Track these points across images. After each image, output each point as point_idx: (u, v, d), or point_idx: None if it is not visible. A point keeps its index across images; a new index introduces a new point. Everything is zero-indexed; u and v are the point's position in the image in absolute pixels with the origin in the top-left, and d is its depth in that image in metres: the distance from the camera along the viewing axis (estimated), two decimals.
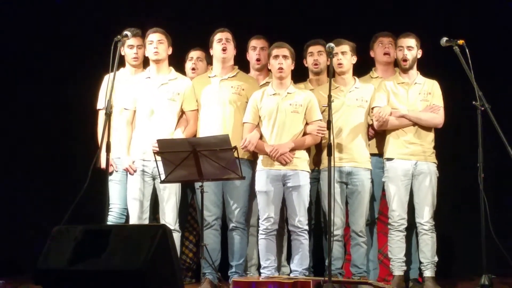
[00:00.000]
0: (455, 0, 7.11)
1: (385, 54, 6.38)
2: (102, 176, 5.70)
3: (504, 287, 5.35)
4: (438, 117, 5.99)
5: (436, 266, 5.95)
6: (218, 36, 6.22)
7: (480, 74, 5.51)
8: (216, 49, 6.23)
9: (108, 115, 5.53)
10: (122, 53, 6.25)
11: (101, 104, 6.34)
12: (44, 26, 7.60)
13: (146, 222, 6.04)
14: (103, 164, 5.88)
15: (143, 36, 6.31)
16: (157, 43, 6.10)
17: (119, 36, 5.74)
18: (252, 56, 6.46)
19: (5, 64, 7.57)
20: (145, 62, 6.41)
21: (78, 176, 5.53)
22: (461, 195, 6.76)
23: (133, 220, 6.04)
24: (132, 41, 6.24)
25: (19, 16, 7.61)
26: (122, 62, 6.24)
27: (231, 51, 6.24)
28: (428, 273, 5.93)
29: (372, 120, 6.07)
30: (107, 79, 6.18)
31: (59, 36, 7.59)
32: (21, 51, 7.61)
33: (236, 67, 6.31)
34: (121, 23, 6.40)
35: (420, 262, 6.00)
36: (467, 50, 5.48)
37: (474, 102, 5.45)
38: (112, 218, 6.21)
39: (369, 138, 6.16)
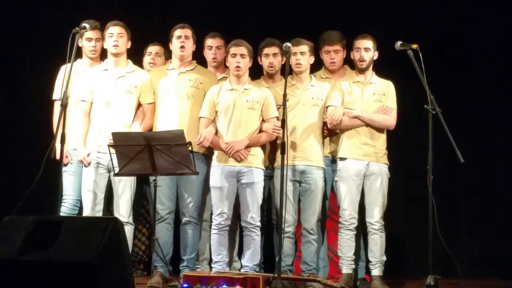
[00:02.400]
0: (412, 3, 7.19)
1: (331, 63, 6.41)
2: (56, 167, 5.68)
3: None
4: (390, 119, 6.07)
5: (384, 265, 6.04)
6: (177, 32, 6.22)
7: (433, 78, 5.60)
8: (175, 45, 6.24)
9: (64, 106, 5.52)
10: (80, 45, 6.23)
11: (57, 94, 6.33)
12: (1, 14, 7.53)
13: (100, 214, 6.04)
14: (57, 155, 5.87)
15: (101, 29, 6.30)
16: (117, 36, 6.10)
17: (77, 28, 5.74)
18: (208, 54, 6.50)
19: None
20: (102, 55, 6.40)
21: (32, 166, 5.50)
22: (411, 197, 6.87)
23: (86, 212, 6.03)
24: (90, 33, 6.24)
25: None
26: (79, 54, 6.23)
27: (190, 48, 6.26)
28: (376, 271, 6.02)
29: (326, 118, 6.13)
30: (63, 69, 6.19)
31: (16, 25, 7.52)
32: None
33: (194, 61, 6.33)
34: (81, 15, 6.37)
35: (369, 261, 6.08)
36: (420, 54, 5.57)
37: (425, 106, 5.55)
38: (65, 209, 6.19)
39: (323, 137, 6.23)
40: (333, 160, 6.24)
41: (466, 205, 7.12)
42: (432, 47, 5.97)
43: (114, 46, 6.10)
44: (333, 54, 6.38)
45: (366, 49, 6.10)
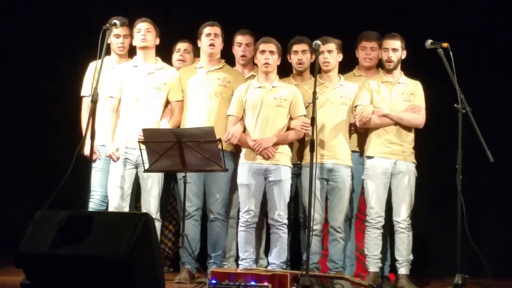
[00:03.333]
0: (442, 3, 7.17)
1: (366, 59, 6.43)
2: (85, 163, 5.72)
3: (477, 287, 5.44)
4: (419, 118, 6.06)
5: (411, 264, 6.03)
6: (207, 30, 6.24)
7: (462, 77, 5.59)
8: (204, 43, 6.26)
9: (94, 103, 5.53)
10: (108, 42, 6.24)
11: (85, 91, 6.37)
12: (30, 11, 7.58)
13: (126, 210, 6.06)
14: (86, 151, 5.89)
15: (130, 25, 6.33)
16: (145, 31, 6.12)
17: (107, 25, 5.73)
18: (237, 51, 6.51)
19: None
20: (131, 53, 6.44)
21: (62, 163, 5.54)
22: (439, 196, 6.86)
23: (112, 207, 6.06)
24: (119, 30, 6.26)
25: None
26: (107, 51, 6.24)
27: (219, 46, 6.28)
28: (403, 270, 6.02)
29: (354, 118, 6.13)
30: (92, 66, 6.23)
31: (45, 22, 7.58)
32: (7, 34, 7.59)
33: (223, 60, 6.35)
34: (109, 12, 6.39)
35: (395, 260, 6.07)
36: (451, 53, 5.55)
37: (455, 105, 5.53)
38: (93, 205, 6.23)
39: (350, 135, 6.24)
40: (361, 155, 6.23)
41: (495, 204, 7.09)
42: (463, 46, 5.93)
43: (142, 39, 6.12)
44: (369, 50, 6.39)
45: (394, 50, 6.09)
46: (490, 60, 7.12)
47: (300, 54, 6.29)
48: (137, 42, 6.18)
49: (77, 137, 6.07)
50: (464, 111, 5.49)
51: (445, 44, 5.62)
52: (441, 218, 6.79)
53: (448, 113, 5.61)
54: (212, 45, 6.22)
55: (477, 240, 5.36)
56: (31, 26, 7.57)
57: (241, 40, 6.48)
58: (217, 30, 6.27)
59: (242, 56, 6.47)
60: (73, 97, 6.58)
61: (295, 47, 6.31)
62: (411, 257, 6.04)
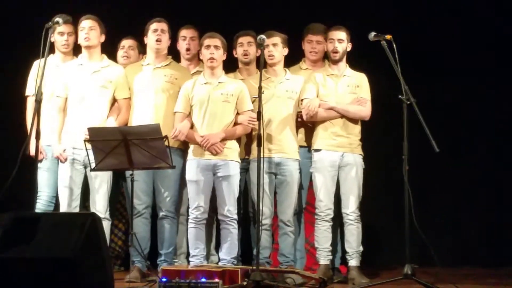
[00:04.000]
0: None
1: (311, 52, 6.44)
2: (30, 164, 5.65)
3: (426, 276, 5.48)
4: (365, 110, 6.12)
5: (361, 255, 6.09)
6: (154, 26, 6.22)
7: (406, 69, 5.64)
8: (150, 39, 6.23)
9: (39, 102, 5.46)
10: (52, 40, 6.16)
11: (30, 90, 6.29)
12: None
13: (77, 210, 6.04)
14: (32, 151, 5.82)
15: (74, 23, 6.26)
16: (88, 30, 6.08)
17: (50, 23, 5.65)
18: (182, 45, 6.48)
19: None
20: (76, 50, 6.37)
21: (6, 164, 5.46)
22: (386, 187, 6.92)
23: (63, 208, 6.02)
24: (62, 28, 6.17)
25: None
26: (51, 49, 6.17)
27: (166, 42, 6.26)
28: (353, 262, 6.07)
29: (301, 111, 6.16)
30: (36, 65, 6.14)
31: None
32: None
33: (170, 56, 6.33)
34: (52, 9, 6.32)
35: (346, 252, 6.12)
36: (394, 45, 5.58)
37: (400, 96, 5.57)
38: (41, 205, 6.16)
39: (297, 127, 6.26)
40: (309, 150, 6.26)
41: (441, 194, 7.18)
42: (405, 38, 5.99)
43: (85, 38, 6.08)
44: (315, 44, 6.39)
45: (340, 40, 6.14)
46: (434, 50, 7.20)
47: (245, 46, 6.29)
48: (81, 40, 6.14)
49: (22, 137, 5.96)
50: (408, 102, 5.53)
51: (388, 36, 5.65)
52: (389, 209, 6.84)
53: (393, 104, 5.65)
54: (158, 40, 6.19)
55: (424, 229, 5.40)
56: None
57: (185, 33, 6.44)
58: (164, 26, 6.24)
59: (187, 49, 6.44)
60: (18, 96, 6.47)
61: (241, 40, 6.31)
62: (361, 248, 6.09)
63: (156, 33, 6.21)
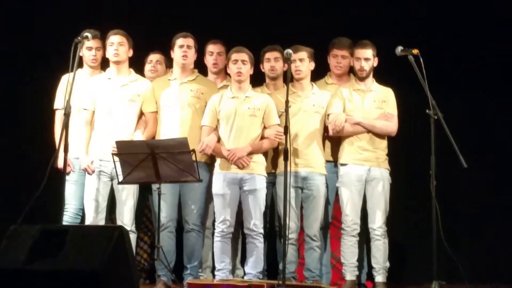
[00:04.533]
0: (411, 9, 7.21)
1: (337, 67, 6.43)
2: (58, 176, 5.69)
3: None
4: (391, 125, 6.11)
5: (387, 271, 6.06)
6: (180, 41, 6.24)
7: (433, 83, 5.62)
8: (177, 55, 6.26)
9: (67, 115, 5.50)
10: (80, 54, 6.21)
11: (59, 104, 6.34)
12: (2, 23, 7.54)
13: (102, 222, 6.05)
14: (60, 164, 5.86)
15: (102, 37, 6.32)
16: (117, 45, 6.12)
17: (79, 38, 5.71)
18: (209, 60, 6.51)
19: None
20: (103, 64, 6.43)
21: (36, 176, 5.49)
22: (413, 202, 6.86)
23: (89, 221, 6.04)
24: (91, 43, 6.22)
25: None
26: (80, 63, 6.22)
27: (192, 57, 6.28)
28: (380, 278, 6.04)
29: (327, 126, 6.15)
30: (65, 79, 6.22)
31: (16, 35, 7.52)
32: None
33: (196, 70, 6.36)
34: (80, 24, 6.38)
35: (372, 267, 6.10)
36: (421, 60, 5.58)
37: (427, 111, 5.55)
38: (68, 218, 6.19)
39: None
40: (335, 165, 6.25)
41: (469, 210, 7.12)
42: (431, 52, 5.97)
43: (115, 54, 6.12)
44: (340, 58, 6.39)
45: (366, 59, 6.14)
46: (461, 65, 7.16)
47: (272, 62, 6.29)
48: (110, 56, 6.18)
49: (51, 150, 6.01)
50: (436, 117, 5.51)
51: (415, 51, 5.64)
52: (416, 225, 6.78)
53: (421, 119, 5.63)
54: (185, 56, 6.22)
55: (452, 245, 5.38)
56: (3, 39, 7.51)
57: (212, 49, 6.48)
58: (190, 41, 6.27)
59: (214, 64, 6.47)
60: (47, 110, 6.53)
61: (268, 55, 6.31)
62: (388, 264, 6.07)
63: (182, 49, 6.23)
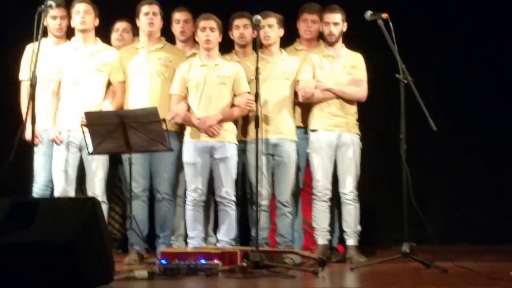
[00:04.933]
0: None
1: (306, 31, 6.41)
2: (27, 148, 5.63)
3: (423, 255, 5.50)
4: (361, 91, 6.12)
5: (359, 235, 6.10)
6: (145, 9, 6.16)
7: (403, 48, 5.62)
8: (142, 22, 6.18)
9: (33, 86, 5.43)
10: (45, 23, 6.11)
11: (24, 74, 6.25)
12: None
13: (72, 193, 6.03)
14: (28, 136, 5.79)
15: (66, 6, 6.22)
16: (83, 13, 6.03)
17: (43, 6, 5.60)
18: (176, 28, 6.43)
19: None
20: (68, 33, 6.33)
21: (3, 149, 5.43)
22: (384, 166, 6.91)
23: (58, 191, 6.01)
24: (55, 11, 6.13)
25: None
26: (44, 33, 6.11)
27: (158, 24, 6.21)
28: (351, 241, 6.09)
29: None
30: (30, 49, 6.12)
31: None
32: None
33: (163, 38, 6.29)
34: None
35: (344, 231, 6.14)
36: (391, 24, 5.56)
37: (397, 75, 5.55)
38: (37, 190, 6.14)
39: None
40: (306, 131, 6.25)
41: (439, 173, 7.20)
42: (401, 17, 5.96)
43: (81, 22, 6.04)
44: (310, 23, 6.36)
45: (335, 24, 6.11)
46: (430, 29, 7.18)
47: (241, 28, 6.23)
48: (76, 24, 6.09)
49: (17, 122, 5.94)
50: (405, 81, 5.51)
51: (384, 15, 5.61)
52: (387, 188, 6.86)
53: (390, 83, 5.63)
54: (151, 23, 6.15)
55: (422, 207, 5.42)
56: None
57: (179, 17, 6.40)
58: (155, 8, 6.19)
59: (181, 32, 6.40)
60: (11, 81, 6.43)
61: (236, 22, 6.24)
62: (359, 228, 6.11)
63: (148, 16, 6.16)
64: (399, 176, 5.50)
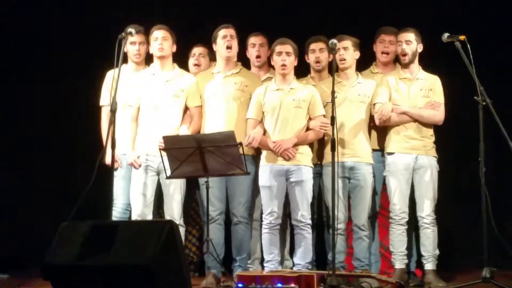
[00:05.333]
0: None
1: (383, 53, 6.41)
2: (107, 173, 5.74)
3: (504, 280, 5.39)
4: (438, 115, 6.06)
5: (437, 259, 6.02)
6: (222, 32, 6.23)
7: (481, 70, 5.55)
8: (220, 46, 6.24)
9: (113, 112, 5.54)
10: (125, 50, 6.25)
11: (104, 100, 6.39)
12: (45, 22, 7.61)
13: (150, 217, 6.08)
14: (108, 160, 5.92)
15: (145, 33, 6.35)
16: (161, 40, 6.13)
17: (123, 34, 5.72)
18: (251, 53, 6.50)
19: (5, 60, 7.57)
20: (147, 59, 6.46)
21: (84, 173, 5.55)
22: (462, 189, 6.82)
23: (136, 214, 6.08)
24: (134, 38, 6.23)
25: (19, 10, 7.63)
26: (124, 59, 6.25)
27: (235, 48, 6.27)
28: (429, 266, 6.01)
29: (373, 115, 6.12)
30: (110, 75, 6.27)
31: (60, 32, 7.60)
32: (22, 48, 7.62)
33: (239, 63, 6.35)
34: (124, 20, 6.40)
35: (421, 256, 6.06)
36: (468, 46, 5.52)
37: (475, 97, 5.49)
38: (116, 213, 6.24)
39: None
40: (382, 154, 6.21)
41: None
42: (480, 40, 5.90)
43: (159, 49, 6.14)
44: (388, 43, 6.36)
45: (408, 42, 6.08)
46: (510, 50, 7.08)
47: (317, 53, 6.27)
48: (154, 51, 6.20)
49: (98, 147, 6.07)
50: (484, 103, 5.45)
51: (462, 37, 5.58)
52: (466, 212, 6.76)
53: (469, 106, 5.57)
54: (229, 47, 6.21)
55: (503, 232, 5.32)
56: (46, 37, 7.60)
57: (254, 41, 6.47)
58: (232, 32, 6.26)
59: (257, 56, 6.46)
60: (93, 107, 6.59)
61: (313, 46, 6.29)
62: (437, 252, 6.02)
63: (226, 39, 6.22)
64: (477, 199, 5.44)
